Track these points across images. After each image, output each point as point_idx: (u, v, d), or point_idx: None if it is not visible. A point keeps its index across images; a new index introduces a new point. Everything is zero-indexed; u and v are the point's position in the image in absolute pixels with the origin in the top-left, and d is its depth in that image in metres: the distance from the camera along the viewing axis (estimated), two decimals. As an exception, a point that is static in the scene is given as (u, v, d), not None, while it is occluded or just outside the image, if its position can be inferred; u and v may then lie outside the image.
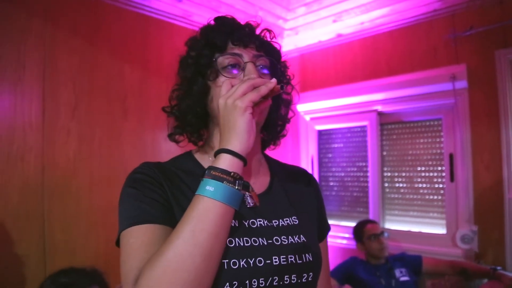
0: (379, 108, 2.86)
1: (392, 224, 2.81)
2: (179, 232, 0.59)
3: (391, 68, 2.75)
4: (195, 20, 2.60)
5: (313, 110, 3.15)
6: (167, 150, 2.44)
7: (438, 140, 2.65)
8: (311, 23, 2.83)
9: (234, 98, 0.66)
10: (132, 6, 2.29)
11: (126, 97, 2.25)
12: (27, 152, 1.85)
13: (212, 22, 0.83)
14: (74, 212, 2.01)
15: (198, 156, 0.84)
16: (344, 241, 2.91)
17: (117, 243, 0.72)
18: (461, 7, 2.40)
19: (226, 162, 0.64)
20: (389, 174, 2.89)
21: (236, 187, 0.63)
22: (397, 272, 2.26)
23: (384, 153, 2.91)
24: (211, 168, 0.64)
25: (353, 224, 2.59)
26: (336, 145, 3.22)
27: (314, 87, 3.09)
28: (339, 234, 2.95)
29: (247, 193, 0.73)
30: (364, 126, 2.98)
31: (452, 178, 2.52)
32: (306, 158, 3.27)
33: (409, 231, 2.72)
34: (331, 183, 3.17)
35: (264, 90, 0.67)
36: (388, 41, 2.77)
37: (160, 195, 0.71)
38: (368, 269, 2.30)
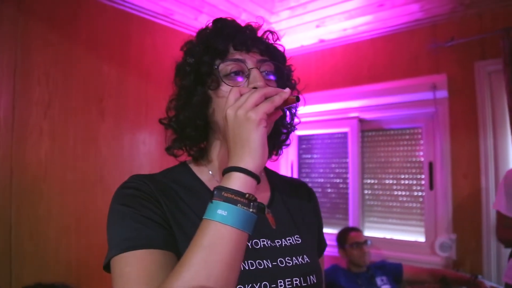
0: (360, 115, 2.87)
1: (371, 231, 2.81)
2: (188, 263, 0.51)
3: (372, 75, 2.76)
4: (176, 19, 2.53)
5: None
6: (146, 152, 2.34)
7: (417, 148, 2.68)
8: (294, 27, 2.81)
9: (246, 109, 0.58)
10: (113, 2, 2.19)
11: (104, 96, 2.14)
12: (-6, 152, 1.72)
13: (210, 25, 0.76)
14: (45, 218, 1.87)
15: (195, 169, 0.77)
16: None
17: (105, 268, 0.63)
18: (443, 18, 2.44)
19: (239, 182, 0.56)
20: (369, 181, 2.89)
21: (251, 210, 0.55)
22: (378, 281, 2.25)
23: (364, 160, 2.92)
24: (222, 188, 0.55)
25: (332, 230, 2.56)
26: (316, 151, 3.20)
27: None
28: (318, 241, 2.91)
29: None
30: (345, 133, 2.98)
31: (431, 186, 2.55)
32: (286, 164, 3.24)
33: (388, 239, 2.72)
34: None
35: (278, 101, 0.60)
36: (370, 48, 2.79)
37: (157, 213, 0.64)
38: (349, 277, 2.28)
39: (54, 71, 1.93)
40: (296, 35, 2.88)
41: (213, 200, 0.55)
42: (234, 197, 0.54)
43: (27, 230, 1.81)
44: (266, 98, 0.60)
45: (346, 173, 2.96)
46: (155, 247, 0.59)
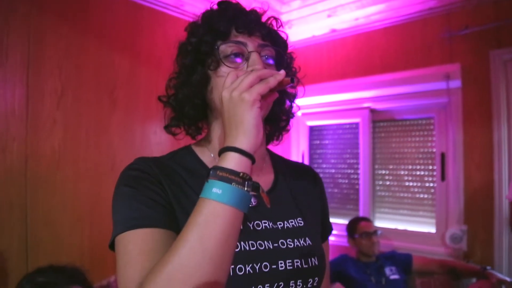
0: (372, 105, 2.84)
1: (382, 222, 2.80)
2: (185, 239, 0.53)
3: (384, 65, 2.73)
4: (187, 10, 2.53)
5: (305, 106, 3.11)
6: (157, 142, 2.38)
7: (430, 139, 2.65)
8: (306, 17, 2.78)
9: (241, 90, 0.59)
10: (123, -7, 2.21)
11: (115, 87, 2.17)
12: (10, 142, 1.77)
13: (215, 7, 0.77)
14: (59, 205, 1.93)
15: (198, 151, 0.78)
16: (333, 238, 2.89)
17: (111, 246, 0.65)
18: (457, 6, 2.39)
19: (233, 161, 0.57)
20: (380, 171, 2.88)
21: (246, 189, 0.57)
22: (387, 271, 2.25)
23: (375, 150, 2.90)
24: (217, 168, 0.57)
25: (342, 221, 2.56)
26: (327, 142, 3.19)
27: (306, 82, 3.04)
28: (328, 231, 2.92)
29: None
30: (356, 123, 2.96)
31: (443, 177, 2.52)
32: (297, 154, 3.24)
33: (398, 229, 2.71)
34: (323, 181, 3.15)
35: (273, 82, 0.61)
36: (382, 38, 2.75)
37: (160, 195, 0.66)
38: (358, 267, 2.28)
39: (66, 63, 1.97)
40: (307, 25, 2.86)
41: (208, 179, 0.56)
42: (228, 176, 0.56)
43: (42, 217, 1.87)
44: (261, 80, 0.61)
45: (357, 163, 2.95)
46: (157, 226, 0.61)
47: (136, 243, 0.59)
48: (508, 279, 2.01)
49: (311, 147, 3.26)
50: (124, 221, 0.62)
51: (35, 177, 1.85)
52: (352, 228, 2.41)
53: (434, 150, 2.61)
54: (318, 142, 3.24)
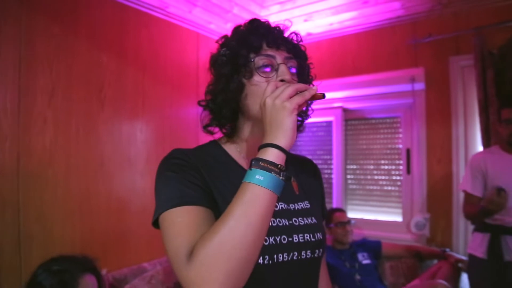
0: (344, 104, 3.05)
1: (354, 213, 3.02)
2: (232, 214, 0.64)
3: (356, 68, 2.94)
4: (171, 12, 2.62)
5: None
6: (142, 140, 2.45)
7: (396, 136, 2.90)
8: (283, 21, 2.93)
9: (282, 99, 0.71)
10: (111, -6, 2.27)
11: (103, 86, 2.23)
12: (2, 140, 1.80)
13: (246, 24, 0.89)
14: (50, 201, 1.98)
15: (225, 146, 0.90)
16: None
17: (154, 223, 0.77)
18: (422, 15, 2.63)
19: (273, 155, 0.69)
20: (351, 166, 3.10)
21: (281, 178, 0.69)
22: (360, 256, 2.47)
23: (347, 147, 3.12)
24: (260, 159, 0.68)
25: (318, 213, 2.74)
26: (302, 139, 3.38)
27: (282, 82, 3.21)
28: (304, 223, 3.11)
29: None
30: (330, 121, 3.16)
31: (408, 171, 2.77)
32: (273, 151, 3.39)
33: (369, 219, 2.95)
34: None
35: (308, 95, 0.73)
36: (354, 42, 2.96)
37: (198, 179, 0.77)
38: (334, 254, 2.48)
39: (57, 62, 2.02)
40: (284, 27, 3.01)
41: (252, 168, 0.68)
42: (269, 166, 0.67)
43: (34, 212, 1.91)
44: (298, 92, 0.74)
45: (331, 159, 3.16)
46: (199, 204, 0.72)
47: (183, 217, 0.70)
48: (464, 258, 2.28)
49: (287, 144, 3.42)
50: (170, 200, 0.73)
51: (27, 174, 1.89)
52: (327, 219, 2.60)
53: (400, 146, 2.86)
54: (293, 139, 3.41)
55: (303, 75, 0.90)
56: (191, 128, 2.82)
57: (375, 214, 2.95)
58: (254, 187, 0.66)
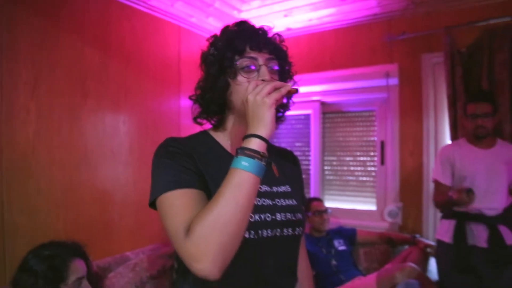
0: (322, 98, 3.16)
1: (331, 202, 3.15)
2: (222, 196, 0.74)
3: (334, 63, 3.04)
4: (153, 5, 2.63)
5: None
6: (125, 132, 2.48)
7: (371, 129, 3.03)
8: (264, 16, 3.00)
9: (262, 96, 0.81)
10: (93, -14, 2.27)
11: (86, 78, 2.24)
12: (-16, 131, 1.81)
13: (234, 25, 0.97)
14: (34, 192, 1.99)
15: (214, 135, 1.00)
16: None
17: (151, 205, 0.86)
18: (396, 14, 2.75)
19: (256, 144, 0.79)
20: (328, 158, 3.22)
21: (263, 163, 0.79)
22: (336, 243, 2.59)
23: (325, 139, 3.23)
24: (245, 148, 0.78)
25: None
26: (281, 131, 3.48)
27: (262, 76, 3.28)
28: (283, 213, 3.23)
29: None
30: (308, 114, 3.26)
31: (382, 162, 2.91)
32: (253, 143, 3.48)
33: (345, 208, 3.09)
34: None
35: (284, 91, 0.83)
36: (332, 38, 3.06)
37: (191, 165, 0.86)
38: (311, 241, 2.60)
39: (39, 54, 2.01)
40: (265, 23, 3.07)
41: (238, 156, 0.78)
42: (253, 154, 0.77)
43: (18, 204, 1.93)
44: (275, 89, 0.83)
45: (309, 151, 3.27)
46: (192, 187, 0.82)
47: (180, 199, 0.79)
48: (432, 243, 2.44)
49: (266, 136, 3.51)
50: (167, 184, 0.81)
51: (10, 165, 1.90)
52: (305, 207, 2.71)
53: (375, 138, 2.99)
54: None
55: (284, 72, 0.99)
56: (173, 120, 2.86)
57: (351, 203, 3.08)
58: (241, 172, 0.76)
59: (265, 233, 0.87)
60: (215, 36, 0.98)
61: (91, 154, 2.27)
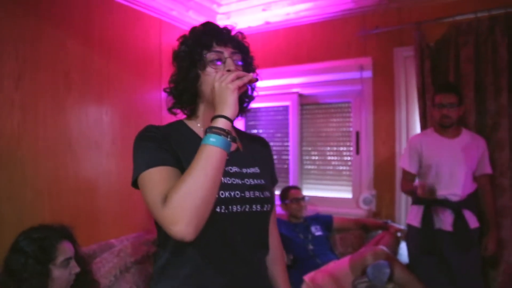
0: (300, 90, 3.27)
1: (309, 191, 3.28)
2: (194, 168, 0.85)
3: (311, 56, 3.15)
4: (135, -2, 2.69)
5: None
6: (108, 122, 2.55)
7: (347, 120, 3.16)
8: (243, 10, 3.09)
9: (226, 82, 0.92)
10: (75, -20, 2.31)
11: (69, 70, 2.29)
12: (-30, 122, 1.85)
13: (201, 25, 1.08)
14: (20, 182, 2.05)
15: (188, 123, 1.10)
16: (267, 207, 3.31)
17: (133, 184, 0.96)
18: (370, 9, 2.87)
19: (222, 123, 0.90)
20: (306, 148, 3.35)
21: (228, 139, 0.90)
22: (313, 229, 2.72)
23: (303, 130, 3.36)
24: (213, 127, 0.89)
25: (275, 192, 2.98)
26: (261, 122, 3.58)
27: (242, 68, 3.37)
28: (263, 201, 3.35)
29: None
30: (286, 106, 3.38)
31: (357, 151, 3.04)
32: (234, 134, 3.58)
33: (322, 196, 3.22)
34: (256, 157, 3.54)
35: (245, 79, 0.94)
36: (309, 32, 3.17)
37: (168, 147, 0.97)
38: (289, 227, 2.72)
39: (23, 47, 2.06)
40: (244, 17, 3.17)
41: (207, 133, 0.89)
42: (219, 131, 0.88)
43: (5, 193, 1.98)
44: (238, 77, 0.94)
45: (287, 141, 3.38)
46: (168, 165, 0.92)
47: (157, 174, 0.90)
48: (402, 227, 2.59)
49: (247, 127, 3.62)
50: (147, 163, 0.92)
51: (-3, 155, 1.96)
52: (284, 195, 2.84)
53: (351, 129, 3.12)
54: (253, 122, 3.62)
55: (247, 64, 1.10)
56: (155, 111, 2.93)
57: (328, 191, 3.22)
58: (209, 146, 0.87)
59: (235, 208, 0.97)
60: (184, 35, 1.08)
61: (75, 144, 2.33)
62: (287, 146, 3.39)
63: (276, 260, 1.19)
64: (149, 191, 0.89)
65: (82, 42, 2.37)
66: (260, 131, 3.59)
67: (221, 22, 3.28)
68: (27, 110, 2.09)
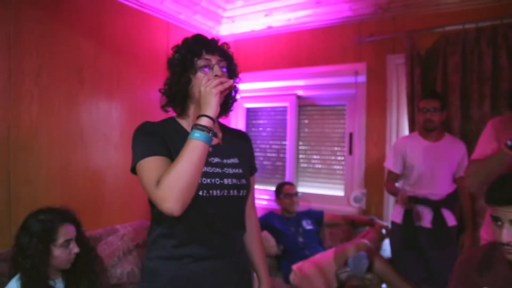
0: (298, 92, 3.46)
1: (304, 188, 3.46)
2: (181, 157, 1.04)
3: (309, 60, 3.33)
4: (144, 2, 2.87)
5: (243, 90, 3.58)
6: (117, 116, 2.75)
7: (342, 121, 3.33)
8: (246, 15, 3.27)
9: (210, 87, 1.11)
10: (90, -15, 2.52)
11: (82, 68, 2.50)
12: (-5, 113, 2.07)
13: (192, 37, 1.26)
14: (36, 168, 2.26)
15: (179, 120, 1.29)
16: (265, 202, 3.51)
17: (132, 170, 1.15)
18: (366, 17, 3.03)
19: (205, 121, 1.08)
20: (303, 147, 3.53)
21: (210, 134, 1.08)
22: (304, 223, 2.91)
23: (300, 130, 3.54)
24: (197, 124, 1.08)
25: (272, 188, 3.17)
26: (261, 122, 3.77)
27: (245, 69, 3.48)
28: (261, 196, 3.55)
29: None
30: (285, 107, 3.56)
31: (350, 152, 3.21)
32: (236, 132, 3.78)
33: (316, 193, 3.41)
34: (256, 154, 3.73)
35: (226, 85, 1.13)
36: (309, 37, 3.34)
37: (161, 140, 1.16)
38: (282, 221, 2.91)
39: (42, 46, 2.27)
40: (248, 21, 3.36)
41: (192, 130, 1.07)
42: (202, 128, 1.06)
43: (23, 177, 2.20)
44: (221, 83, 1.12)
45: (285, 140, 3.57)
46: (161, 155, 1.11)
47: (152, 163, 1.09)
48: (386, 224, 2.76)
49: (248, 126, 3.82)
50: (143, 153, 1.11)
51: (16, 143, 2.16)
52: (278, 190, 3.02)
53: (345, 130, 3.29)
54: (254, 121, 3.81)
55: (231, 71, 1.29)
56: (160, 110, 3.12)
57: (322, 189, 3.40)
58: (194, 140, 1.06)
59: (215, 193, 1.16)
60: (177, 45, 1.27)
61: (86, 136, 2.54)
62: (285, 144, 3.57)
63: (253, 239, 1.38)
64: (145, 176, 1.08)
65: (94, 42, 2.57)
66: (260, 129, 3.77)
67: (226, 25, 3.48)
68: (44, 103, 2.30)
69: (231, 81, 1.15)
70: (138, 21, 2.90)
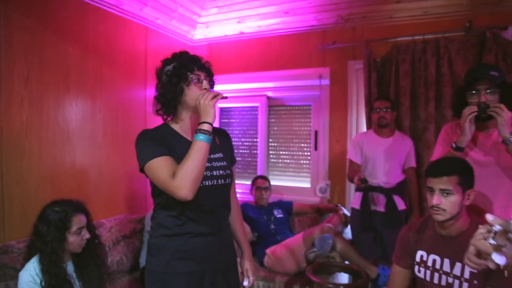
0: (268, 93, 3.75)
1: (274, 181, 3.74)
2: (191, 155, 1.30)
3: (278, 64, 3.63)
4: (124, 9, 3.04)
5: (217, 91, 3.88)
6: (101, 118, 2.91)
7: (308, 120, 3.66)
8: (220, 21, 3.50)
9: (208, 99, 1.36)
10: (75, -6, 2.67)
11: (69, 72, 2.65)
12: (-14, 116, 2.20)
13: (184, 54, 1.49)
14: (27, 167, 2.39)
15: (172, 125, 1.52)
16: (239, 195, 3.77)
17: (141, 170, 1.39)
18: (329, 27, 3.36)
19: (206, 126, 1.33)
20: (273, 144, 3.84)
21: (210, 136, 1.35)
22: (275, 212, 3.21)
23: (270, 128, 3.84)
24: (201, 129, 1.34)
25: (245, 182, 3.45)
26: (234, 121, 4.04)
27: (218, 72, 3.73)
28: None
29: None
30: (256, 107, 3.84)
31: (316, 147, 3.55)
32: (210, 130, 4.02)
33: (285, 186, 3.73)
34: (229, 150, 3.99)
35: (219, 97, 1.39)
36: (278, 43, 3.64)
37: (162, 143, 1.40)
38: (255, 210, 3.21)
39: (31, 51, 2.40)
40: (221, 27, 3.59)
41: (197, 133, 1.33)
42: (205, 131, 1.32)
43: (15, 177, 2.33)
44: (215, 96, 1.38)
45: (256, 138, 3.86)
46: (166, 155, 1.34)
47: (162, 162, 1.33)
48: (348, 213, 3.11)
49: (221, 124, 4.07)
50: (151, 154, 1.35)
51: (8, 144, 2.29)
52: (252, 182, 3.32)
53: (311, 128, 3.62)
54: (226, 120, 4.07)
55: (212, 85, 1.53)
56: (140, 108, 3.31)
57: (290, 181, 3.73)
58: (199, 142, 1.33)
59: (206, 183, 1.42)
60: (168, 59, 1.50)
61: (72, 136, 2.70)
62: (256, 141, 3.86)
63: (236, 219, 1.68)
64: (159, 172, 1.32)
65: (79, 48, 2.72)
66: (233, 128, 4.04)
67: (200, 30, 3.70)
68: (34, 106, 2.43)
69: (222, 93, 1.41)
70: (119, 26, 3.07)
